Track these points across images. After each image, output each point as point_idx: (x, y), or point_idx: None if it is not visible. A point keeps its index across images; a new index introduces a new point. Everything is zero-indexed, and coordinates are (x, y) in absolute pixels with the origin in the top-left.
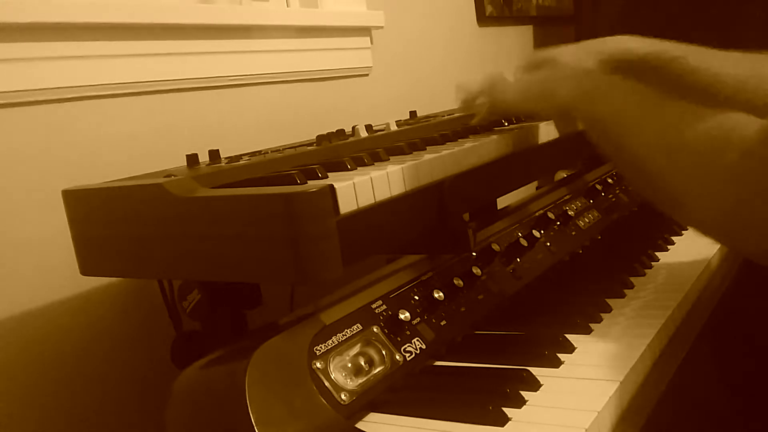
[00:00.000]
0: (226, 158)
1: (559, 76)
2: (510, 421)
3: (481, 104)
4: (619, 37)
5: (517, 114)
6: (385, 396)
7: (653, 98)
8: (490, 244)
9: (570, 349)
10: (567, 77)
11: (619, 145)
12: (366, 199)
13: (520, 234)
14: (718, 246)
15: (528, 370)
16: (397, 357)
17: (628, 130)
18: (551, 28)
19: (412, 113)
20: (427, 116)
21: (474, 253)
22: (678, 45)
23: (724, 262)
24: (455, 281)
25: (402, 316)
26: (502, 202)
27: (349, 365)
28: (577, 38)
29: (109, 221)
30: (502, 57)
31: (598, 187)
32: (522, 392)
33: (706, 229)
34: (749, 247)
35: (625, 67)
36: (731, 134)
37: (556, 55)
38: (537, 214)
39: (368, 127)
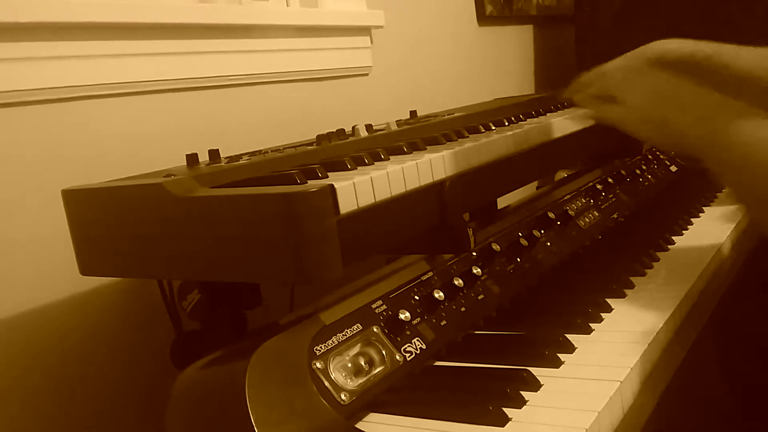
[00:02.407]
0: (226, 158)
1: (679, 103)
2: (510, 422)
3: (589, 100)
4: (658, 41)
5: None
6: (385, 396)
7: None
8: (490, 244)
9: (570, 349)
10: (687, 105)
11: (740, 166)
12: (366, 199)
13: (520, 234)
14: (719, 245)
15: (528, 371)
16: (397, 357)
17: (746, 144)
18: (551, 28)
19: (413, 113)
20: (428, 116)
21: (474, 253)
22: (710, 43)
23: (726, 261)
24: (455, 281)
25: (402, 316)
26: (502, 202)
27: (349, 365)
28: (578, 38)
29: (108, 221)
30: (502, 57)
31: (598, 187)
32: (522, 392)
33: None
34: None
35: (665, 68)
36: None
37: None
38: (537, 214)
39: (368, 127)
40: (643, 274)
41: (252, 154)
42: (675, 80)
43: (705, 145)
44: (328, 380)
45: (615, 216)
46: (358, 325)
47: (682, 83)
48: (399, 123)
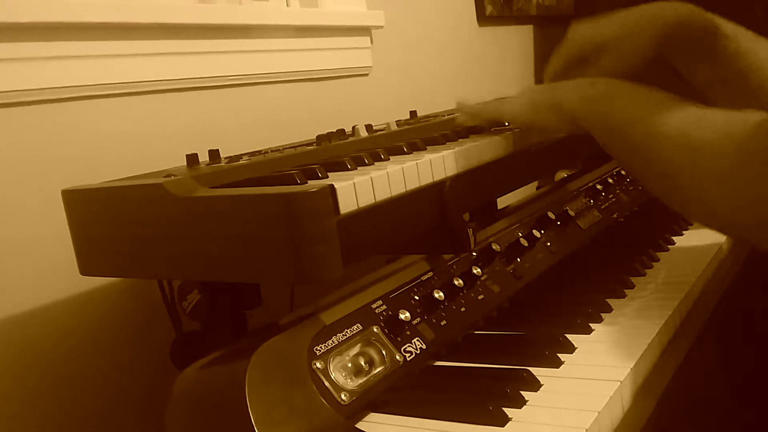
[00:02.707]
0: (226, 158)
1: (563, 86)
2: (510, 422)
3: (485, 112)
4: (670, 3)
5: (525, 127)
6: (385, 396)
7: (663, 100)
8: (490, 244)
9: (570, 349)
10: (571, 87)
11: (630, 146)
12: (366, 199)
13: (520, 234)
14: (719, 245)
15: (528, 370)
16: (398, 357)
17: (638, 131)
18: (551, 28)
19: (412, 113)
20: (427, 116)
21: (474, 253)
22: (728, 22)
23: (726, 261)
24: (455, 281)
25: (402, 316)
26: (502, 202)
27: (349, 365)
28: None
29: (108, 221)
30: (502, 57)
31: (598, 187)
32: (522, 392)
33: (714, 225)
34: (759, 240)
35: (681, 38)
36: (732, 129)
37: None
38: (537, 214)
39: (368, 127)
40: (643, 274)
41: (252, 154)
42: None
43: (599, 128)
44: (328, 380)
45: (615, 216)
46: (358, 325)
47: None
48: (399, 123)
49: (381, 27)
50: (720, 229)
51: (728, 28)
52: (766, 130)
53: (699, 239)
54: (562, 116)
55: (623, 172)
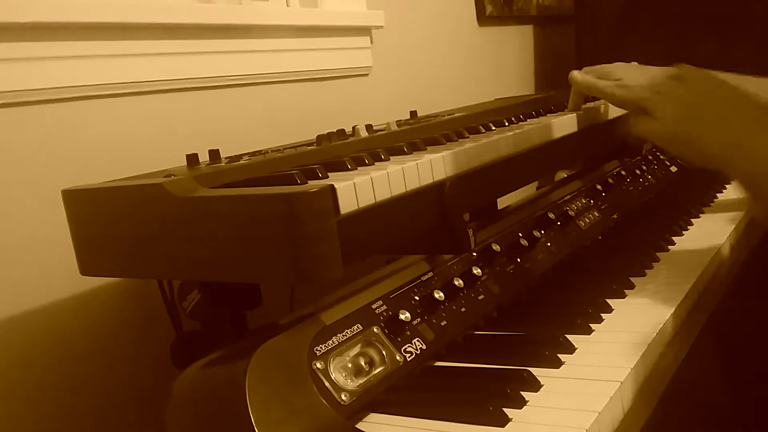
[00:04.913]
0: (226, 158)
1: (706, 119)
2: (510, 422)
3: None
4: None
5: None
6: (385, 396)
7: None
8: (490, 244)
9: (570, 349)
10: (716, 122)
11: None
12: (366, 199)
13: (520, 234)
14: (719, 245)
15: (528, 371)
16: (398, 357)
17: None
18: (551, 28)
19: (413, 113)
20: (428, 116)
21: (474, 253)
22: (730, 75)
23: (726, 261)
24: (455, 281)
25: (402, 317)
26: (503, 202)
27: (350, 365)
28: (577, 38)
29: (109, 221)
30: (502, 57)
31: (599, 187)
32: (522, 392)
33: None
34: None
35: None
36: None
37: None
38: (537, 214)
39: (368, 127)
40: (643, 274)
41: (252, 154)
42: (707, 87)
43: (729, 155)
44: (328, 380)
45: (615, 216)
46: (359, 325)
47: (714, 90)
48: (399, 123)
49: (381, 27)
50: None
51: (732, 80)
52: None
53: (699, 239)
54: (696, 155)
55: (623, 172)
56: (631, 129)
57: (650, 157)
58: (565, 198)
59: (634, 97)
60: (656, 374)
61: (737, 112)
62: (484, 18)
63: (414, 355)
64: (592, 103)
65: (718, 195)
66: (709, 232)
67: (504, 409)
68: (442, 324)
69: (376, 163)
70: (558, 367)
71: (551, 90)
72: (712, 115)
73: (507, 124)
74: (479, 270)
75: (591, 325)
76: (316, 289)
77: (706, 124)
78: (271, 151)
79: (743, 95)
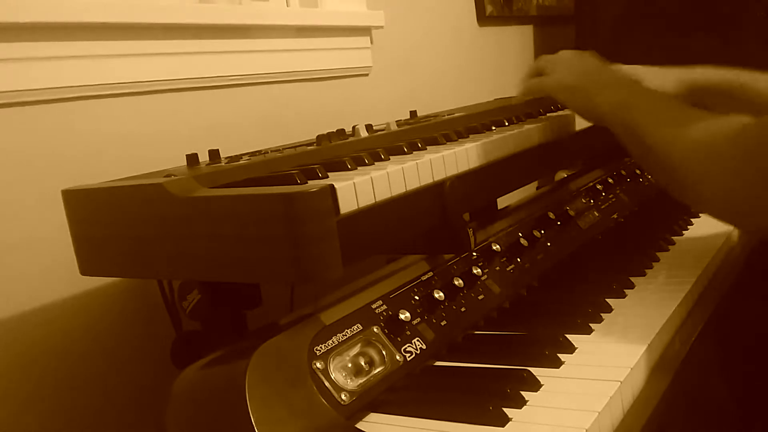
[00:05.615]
0: (226, 158)
1: (602, 82)
2: (510, 422)
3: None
4: (703, 67)
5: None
6: (385, 396)
7: (678, 105)
8: (490, 244)
9: (570, 349)
10: (608, 85)
11: (645, 145)
12: (366, 199)
13: (520, 234)
14: (719, 245)
15: (528, 371)
16: (398, 357)
17: (652, 131)
18: (551, 28)
19: (413, 113)
20: (428, 116)
21: (474, 253)
22: (742, 72)
23: (727, 261)
24: (455, 281)
25: (402, 316)
26: (502, 202)
27: (349, 365)
28: (578, 38)
29: (109, 221)
30: (502, 57)
31: (599, 187)
32: (522, 392)
33: (715, 212)
34: (753, 225)
35: (701, 91)
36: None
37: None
38: (537, 214)
39: (368, 127)
40: (643, 274)
41: (252, 154)
42: (597, 61)
43: (615, 113)
44: (328, 380)
45: (615, 216)
46: (358, 325)
47: (604, 65)
48: (399, 123)
49: (381, 27)
50: (715, 213)
51: (744, 76)
52: (747, 132)
53: (700, 239)
54: (588, 110)
55: (623, 172)
56: (533, 86)
57: None
58: (565, 198)
59: (536, 67)
60: (657, 374)
61: (623, 82)
62: (484, 18)
63: (414, 354)
64: None
65: None
66: (710, 232)
67: (504, 409)
68: (442, 324)
69: (376, 163)
70: (558, 367)
71: None
72: (604, 78)
73: (507, 124)
74: (479, 270)
75: (591, 325)
76: (316, 289)
77: (600, 85)
78: (271, 151)
79: (628, 72)
